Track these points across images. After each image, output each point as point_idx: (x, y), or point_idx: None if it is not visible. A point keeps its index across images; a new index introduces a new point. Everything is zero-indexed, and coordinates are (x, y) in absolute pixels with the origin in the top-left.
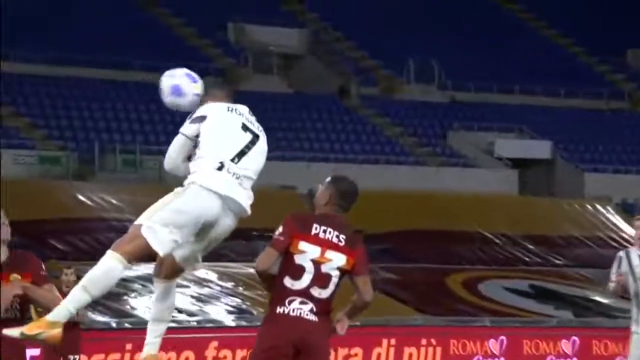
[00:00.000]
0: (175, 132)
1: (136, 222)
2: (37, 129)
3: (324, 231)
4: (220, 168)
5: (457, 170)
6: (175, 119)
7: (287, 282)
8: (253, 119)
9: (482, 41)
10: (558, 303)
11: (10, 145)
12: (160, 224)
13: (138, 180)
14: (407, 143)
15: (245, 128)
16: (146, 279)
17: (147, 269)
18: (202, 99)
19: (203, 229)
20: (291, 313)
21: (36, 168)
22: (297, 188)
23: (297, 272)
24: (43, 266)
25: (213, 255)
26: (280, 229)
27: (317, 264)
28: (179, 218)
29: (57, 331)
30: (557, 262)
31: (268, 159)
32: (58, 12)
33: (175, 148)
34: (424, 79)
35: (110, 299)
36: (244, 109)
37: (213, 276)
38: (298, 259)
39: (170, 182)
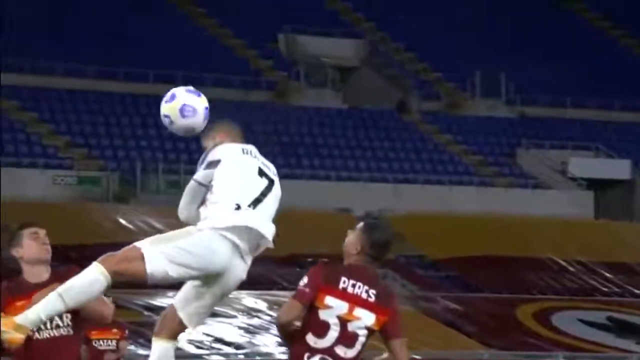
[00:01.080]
0: None
1: (137, 244)
2: (76, 147)
3: (353, 285)
4: (236, 210)
5: (527, 191)
6: None
7: (310, 339)
8: (266, 161)
9: (553, 51)
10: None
11: (48, 165)
12: (164, 257)
13: None
14: (472, 162)
15: (261, 173)
16: None
17: None
18: (214, 138)
19: (210, 281)
20: None
21: (75, 189)
22: (354, 211)
23: (322, 328)
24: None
25: (263, 283)
26: (306, 280)
27: (343, 321)
28: (185, 257)
29: (20, 337)
30: (638, 292)
31: (322, 179)
32: (99, 24)
33: (189, 197)
34: (490, 92)
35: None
36: (256, 150)
37: (263, 305)
38: (323, 315)
39: None
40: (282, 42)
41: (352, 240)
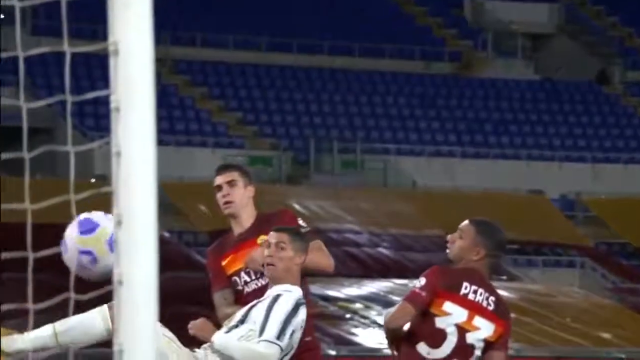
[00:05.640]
0: (392, 128)
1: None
2: (247, 125)
3: (475, 292)
4: None
5: None
6: (402, 112)
7: (422, 348)
8: None
9: None
10: None
11: (217, 144)
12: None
13: (359, 184)
14: None
15: None
16: (370, 299)
17: (371, 287)
18: (297, 271)
19: None
20: None
21: None
22: (547, 193)
23: (437, 338)
24: (301, 221)
25: None
26: (423, 282)
27: (462, 331)
28: None
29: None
30: None
31: (512, 158)
32: None
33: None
34: None
35: (328, 323)
36: None
37: None
38: (440, 323)
39: (396, 185)
40: (467, 8)
41: (469, 244)
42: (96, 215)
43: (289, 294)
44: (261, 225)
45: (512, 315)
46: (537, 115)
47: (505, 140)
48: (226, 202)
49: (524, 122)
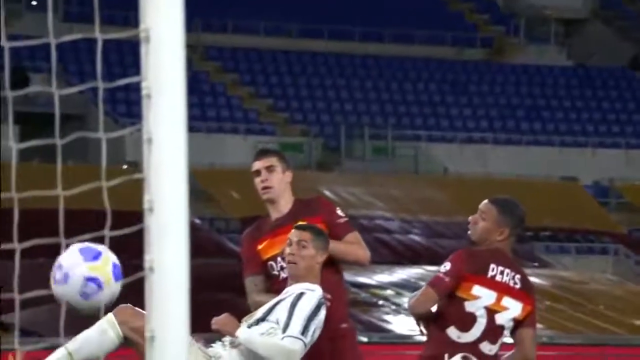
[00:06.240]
0: (423, 114)
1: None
2: (278, 111)
3: (502, 273)
4: None
5: None
6: (433, 98)
7: (452, 332)
8: None
9: None
10: None
11: (248, 130)
12: None
13: (390, 170)
14: None
15: None
16: (401, 286)
17: (402, 274)
18: (317, 266)
19: None
20: None
21: None
22: (580, 180)
23: (467, 321)
24: (339, 211)
25: None
26: (448, 267)
27: (491, 312)
28: None
29: None
30: None
31: (544, 144)
32: None
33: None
34: None
35: (359, 310)
36: None
37: None
38: (469, 307)
39: (427, 171)
40: None
41: (492, 225)
42: (94, 245)
43: (312, 292)
44: (299, 211)
45: (545, 302)
46: (570, 101)
47: (538, 127)
48: (265, 187)
49: (557, 108)
